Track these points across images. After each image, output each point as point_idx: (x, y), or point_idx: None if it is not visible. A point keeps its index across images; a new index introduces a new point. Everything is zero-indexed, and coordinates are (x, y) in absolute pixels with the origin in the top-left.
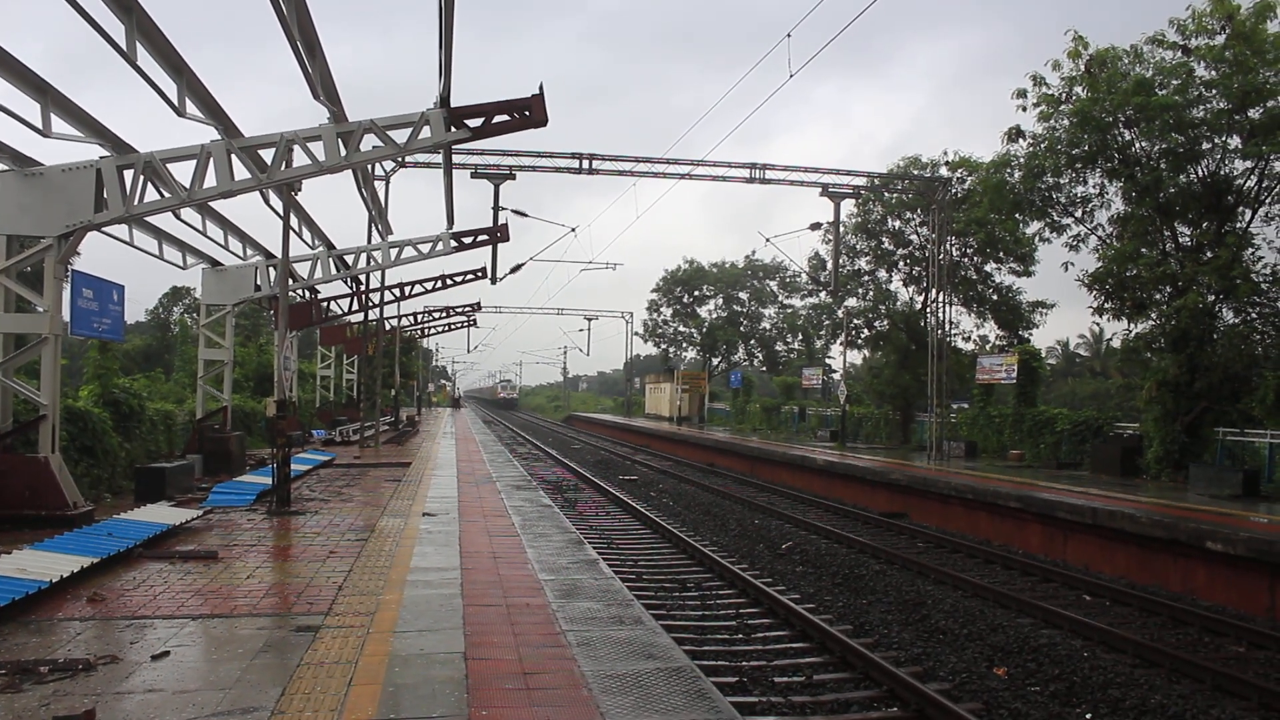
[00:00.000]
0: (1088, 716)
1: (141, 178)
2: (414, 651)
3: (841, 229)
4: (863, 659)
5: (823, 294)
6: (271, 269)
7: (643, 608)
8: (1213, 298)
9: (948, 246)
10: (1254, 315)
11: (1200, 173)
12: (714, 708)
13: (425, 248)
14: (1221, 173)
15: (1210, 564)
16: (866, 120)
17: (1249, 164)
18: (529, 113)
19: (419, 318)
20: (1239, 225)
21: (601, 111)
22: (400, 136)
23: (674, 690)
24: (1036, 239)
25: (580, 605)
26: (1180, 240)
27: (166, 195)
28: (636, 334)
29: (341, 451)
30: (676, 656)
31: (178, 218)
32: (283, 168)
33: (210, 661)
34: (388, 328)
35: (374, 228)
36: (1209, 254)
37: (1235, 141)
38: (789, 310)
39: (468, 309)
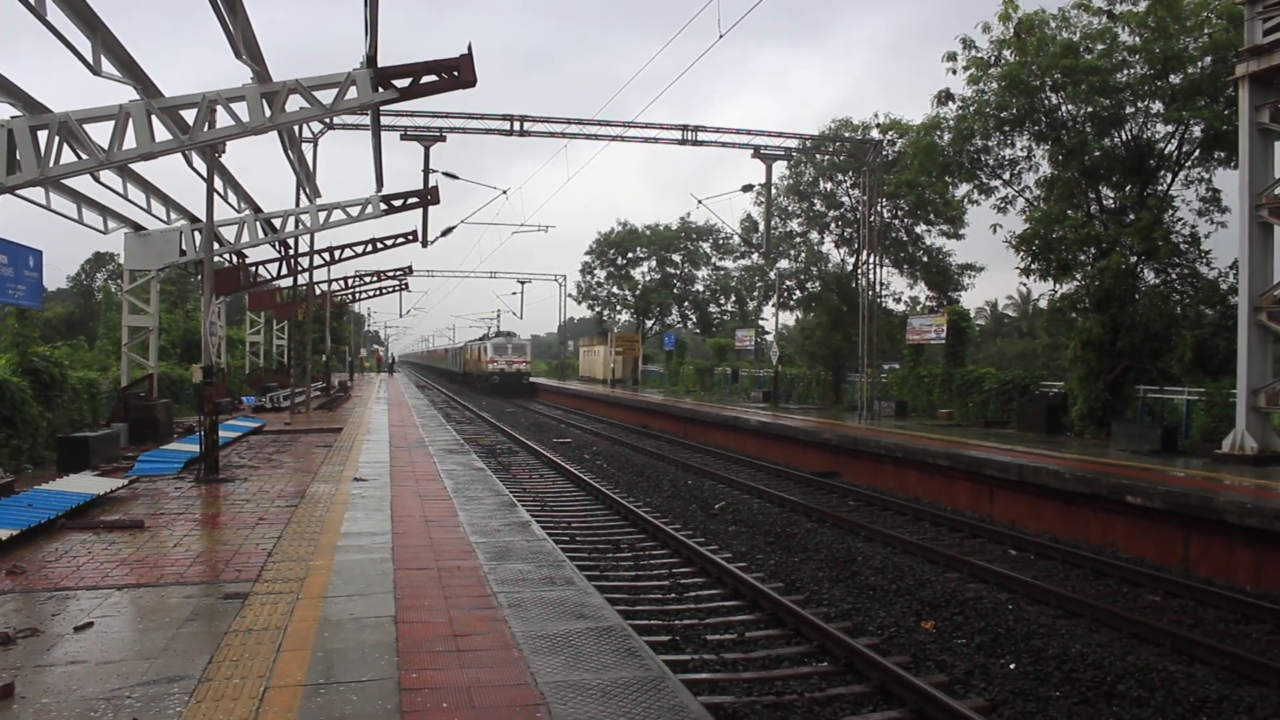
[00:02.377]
0: (1011, 666)
1: (57, 139)
2: (344, 616)
3: (774, 191)
4: (794, 615)
5: (755, 256)
6: (197, 233)
7: (575, 569)
8: (1135, 259)
9: (879, 208)
10: (1173, 276)
11: (1124, 137)
12: (644, 665)
13: (355, 211)
14: (1144, 137)
15: (1130, 518)
16: (806, 88)
17: (1170, 129)
18: (457, 73)
19: (350, 282)
20: (1160, 188)
21: (543, 80)
22: (326, 97)
23: (604, 649)
24: (966, 201)
25: (512, 567)
26: (1104, 203)
27: (84, 157)
28: (570, 296)
29: (272, 418)
30: (608, 616)
31: (97, 180)
32: (205, 129)
33: (136, 631)
34: (318, 292)
35: (302, 191)
36: (1132, 216)
37: (1157, 106)
38: (722, 272)
39: (399, 273)
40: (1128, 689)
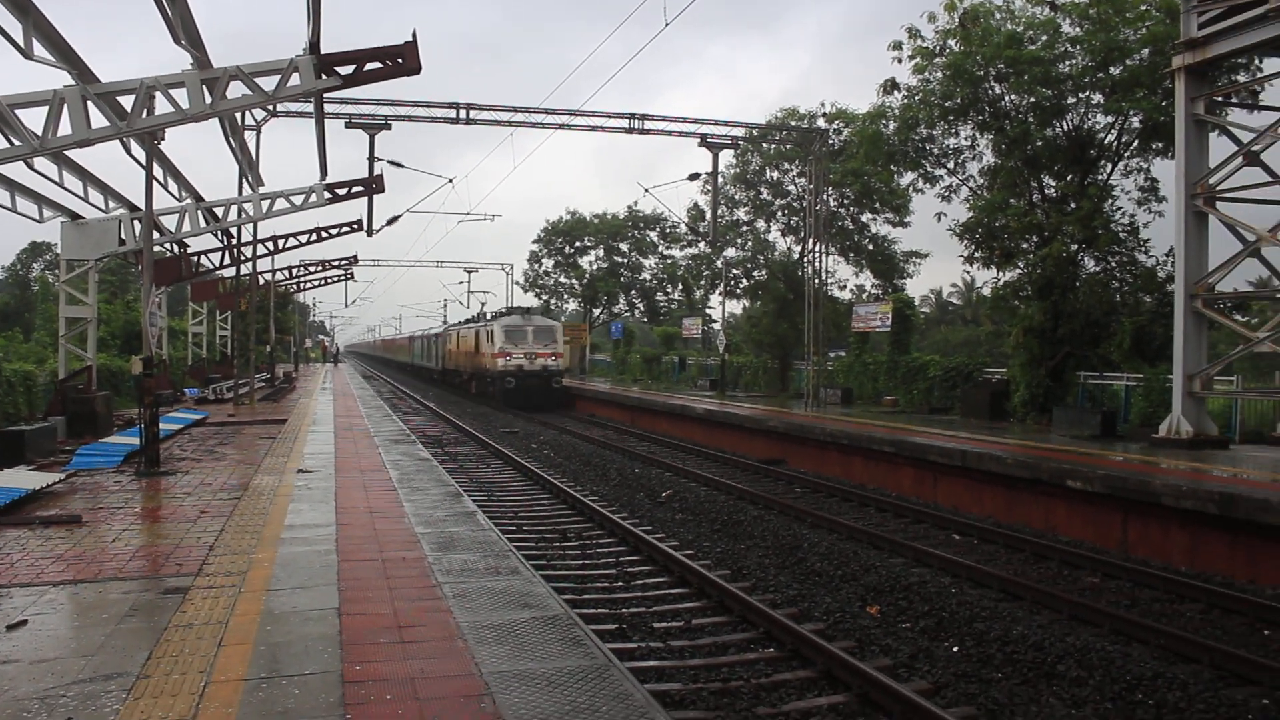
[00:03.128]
0: (955, 649)
1: None
2: (287, 609)
3: (721, 180)
4: (740, 602)
5: (702, 244)
6: (136, 222)
7: (520, 558)
8: (1076, 247)
9: (825, 197)
10: (1113, 264)
11: (1065, 127)
12: (588, 654)
13: (298, 199)
14: (1085, 127)
15: (1070, 501)
16: (756, 78)
17: (1110, 119)
18: (402, 60)
19: (294, 272)
20: (1100, 178)
21: (492, 69)
22: (269, 84)
23: (549, 638)
24: (911, 190)
25: (457, 557)
26: (1046, 192)
27: (17, 144)
28: (517, 285)
29: (215, 410)
30: (552, 605)
31: (31, 168)
32: (144, 115)
33: (73, 628)
34: (261, 282)
35: (245, 179)
36: (1073, 205)
37: (1098, 97)
38: (669, 261)
39: (344, 262)
40: (1067, 669)
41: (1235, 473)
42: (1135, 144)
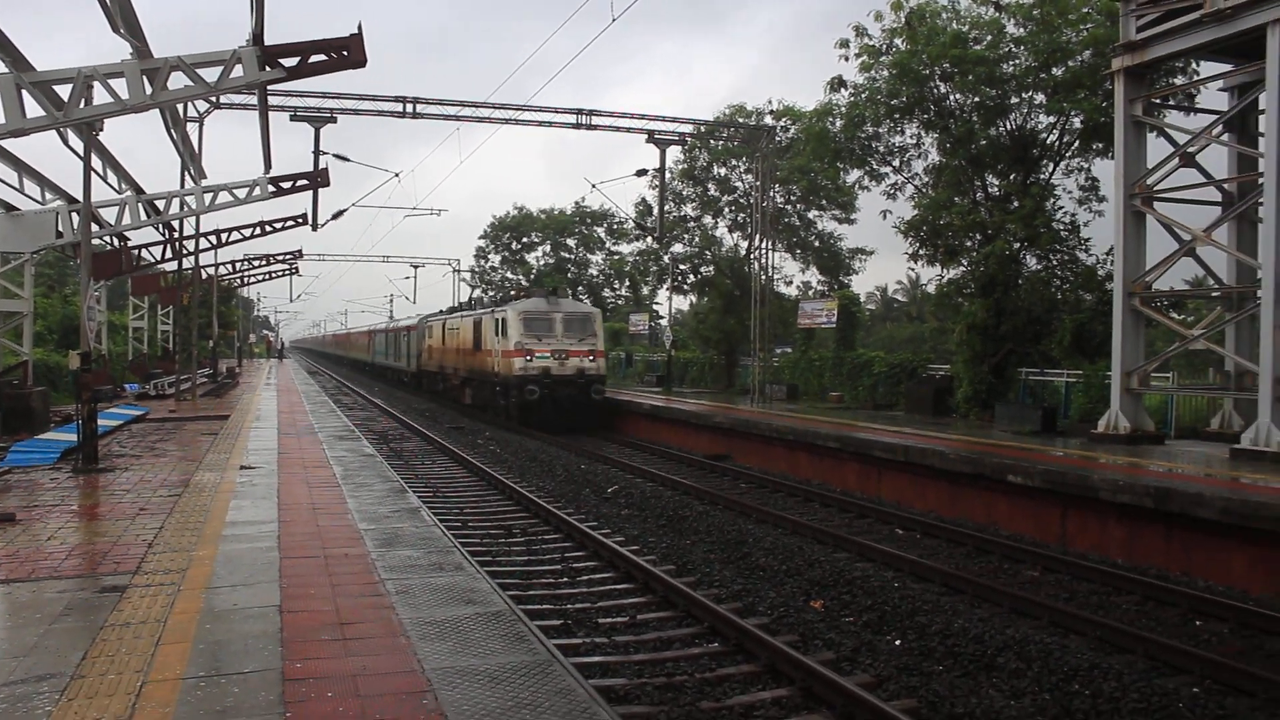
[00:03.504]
0: (897, 642)
1: None
2: (227, 607)
3: (668, 176)
4: (685, 597)
5: (649, 240)
6: (74, 214)
7: (464, 554)
8: (1018, 245)
9: (772, 193)
10: (1054, 262)
11: (1009, 126)
12: (531, 650)
13: (242, 193)
14: (1028, 127)
15: (1011, 496)
16: (706, 76)
17: (1052, 119)
18: (347, 52)
19: (238, 266)
20: (1042, 177)
21: (442, 65)
22: (211, 75)
23: (492, 634)
24: (857, 187)
25: (400, 553)
26: (990, 190)
27: None
28: (464, 281)
29: (156, 406)
30: (496, 601)
31: None
32: (81, 105)
33: (5, 629)
34: (204, 276)
35: (187, 172)
36: (1015, 204)
37: (1040, 98)
38: (616, 256)
39: (289, 256)
40: (1006, 661)
41: (1170, 467)
42: (1076, 144)
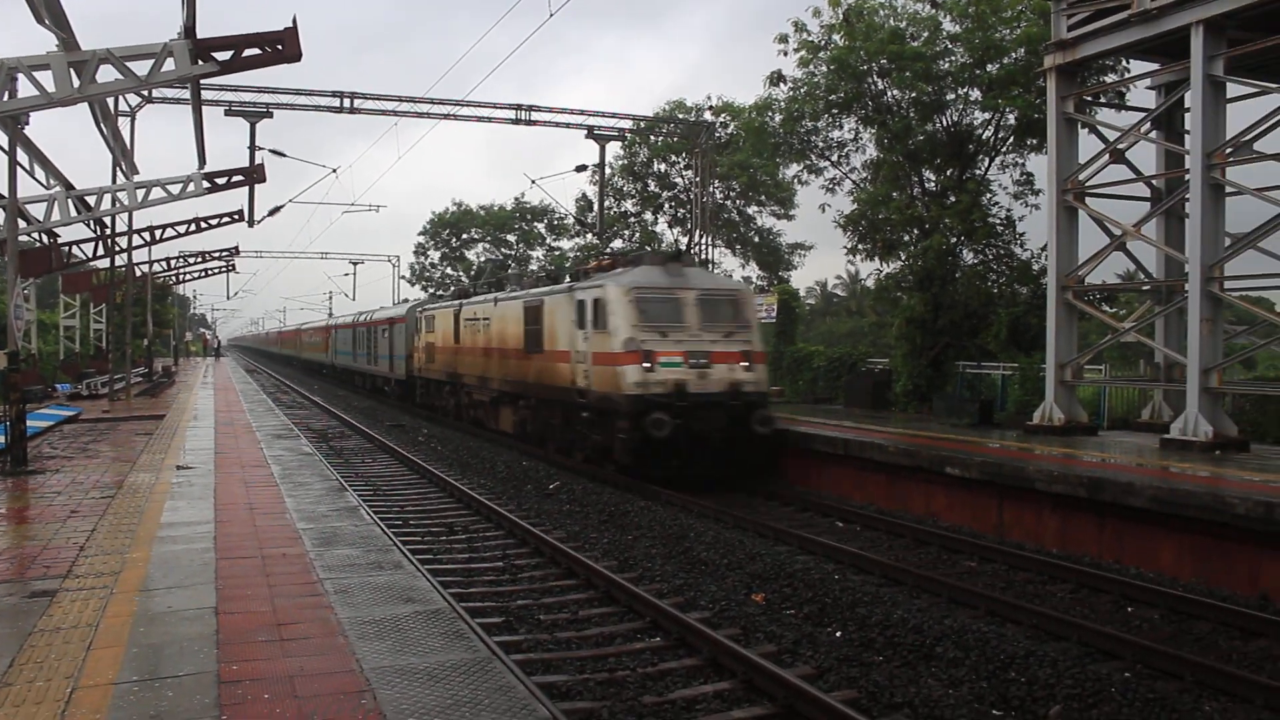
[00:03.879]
0: (838, 634)
1: None
2: (162, 610)
3: (608, 172)
4: (626, 592)
5: (589, 236)
6: (0, 210)
7: (404, 552)
8: (955, 240)
9: (711, 189)
10: (990, 257)
11: (945, 122)
12: (471, 647)
13: (176, 189)
14: (964, 123)
15: (949, 488)
16: (646, 72)
17: (987, 116)
18: (282, 46)
19: (173, 263)
20: (978, 172)
21: (383, 61)
22: (142, 69)
23: (432, 632)
24: (796, 182)
25: (339, 553)
26: (927, 185)
27: None
28: (404, 278)
29: (89, 406)
30: (435, 599)
31: None
32: (5, 98)
33: None
34: (138, 274)
35: (119, 167)
36: (952, 199)
37: (976, 94)
38: (557, 252)
39: (225, 253)
40: (945, 650)
41: (1103, 458)
42: (1011, 140)
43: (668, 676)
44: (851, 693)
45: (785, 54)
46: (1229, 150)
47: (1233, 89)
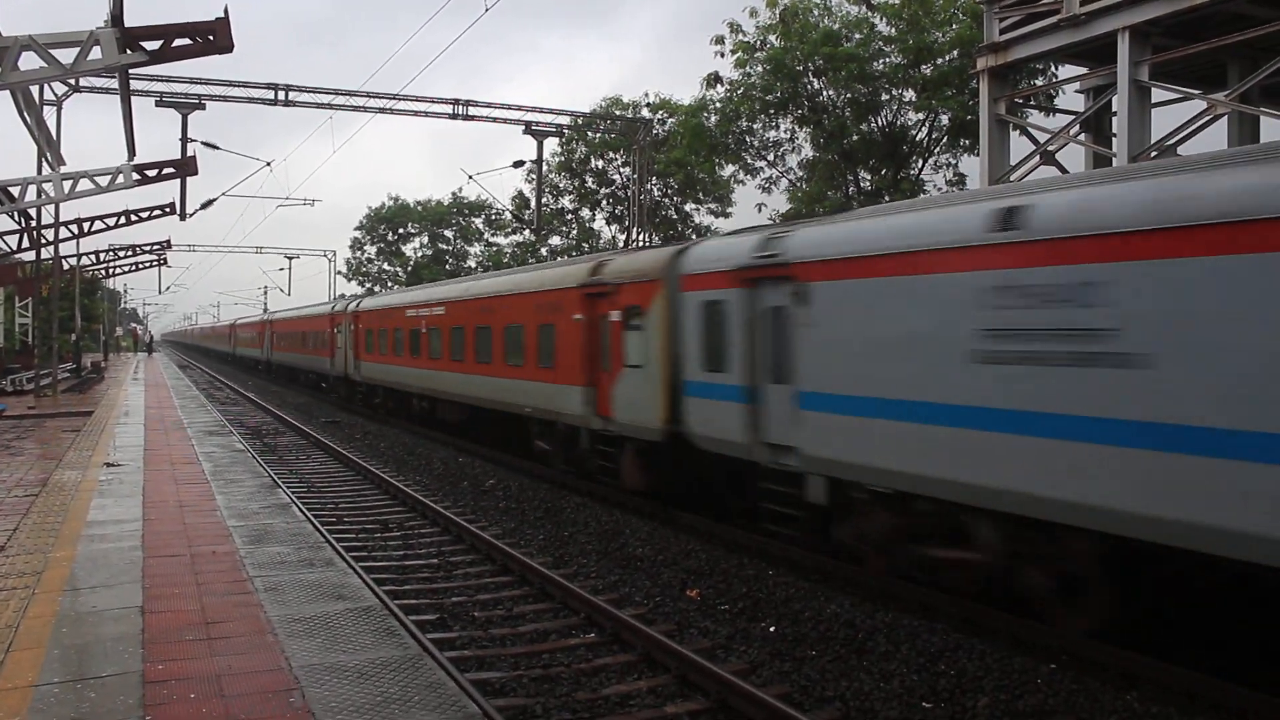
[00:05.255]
0: (771, 629)
1: None
2: (85, 610)
3: (546, 168)
4: (561, 589)
5: (527, 232)
6: None
7: (336, 549)
8: None
9: (649, 186)
10: None
11: (880, 122)
12: (402, 644)
13: (104, 180)
14: (898, 123)
15: None
16: (590, 71)
17: (921, 116)
18: (213, 37)
19: (102, 256)
20: (913, 172)
21: (324, 55)
22: (67, 57)
23: (363, 630)
24: (732, 181)
25: (270, 550)
26: (862, 185)
27: None
28: (340, 273)
29: (14, 402)
30: (367, 596)
31: None
32: None
33: None
34: (66, 267)
35: (44, 158)
36: (886, 198)
37: (910, 95)
38: (495, 248)
39: (157, 247)
40: (877, 644)
41: None
42: (945, 141)
43: (602, 672)
44: (784, 687)
45: (722, 55)
46: (1154, 154)
47: (1158, 94)
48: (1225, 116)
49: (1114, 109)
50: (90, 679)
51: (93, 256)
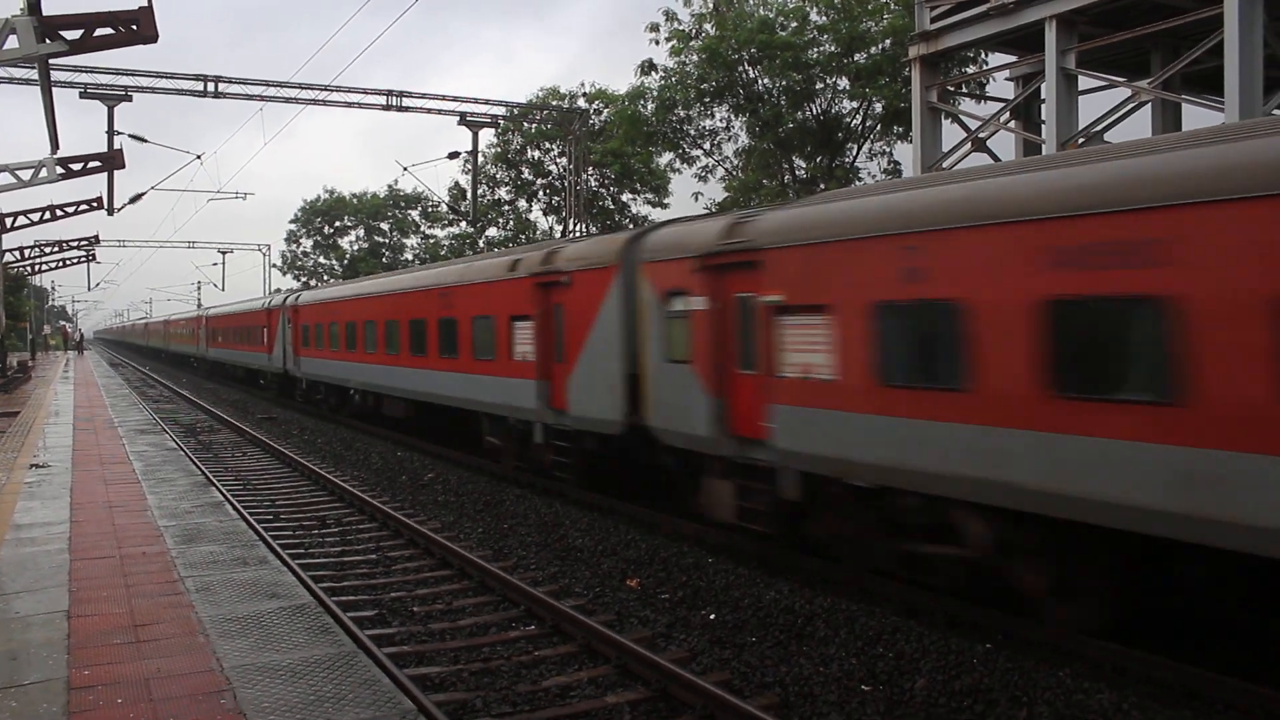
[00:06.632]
0: (711, 616)
1: None
2: (8, 616)
3: (482, 159)
4: (501, 581)
5: (463, 224)
6: None
7: (271, 547)
8: None
9: (585, 177)
10: None
11: (815, 110)
12: (336, 642)
13: (26, 174)
14: (833, 111)
15: None
16: (529, 63)
17: (855, 104)
18: (136, 26)
19: (27, 253)
20: (847, 160)
21: (261, 48)
22: None
23: (297, 628)
24: (669, 170)
25: (202, 550)
26: (798, 173)
27: None
28: (275, 266)
29: None
30: (301, 594)
31: None
32: None
33: None
34: None
35: None
36: (822, 186)
37: (844, 83)
38: (432, 240)
39: (84, 242)
40: (816, 629)
41: None
42: (879, 128)
43: (543, 664)
44: (724, 674)
45: (657, 43)
46: (1081, 140)
47: (1085, 82)
48: (1149, 104)
49: (1043, 96)
50: (10, 688)
51: (17, 253)
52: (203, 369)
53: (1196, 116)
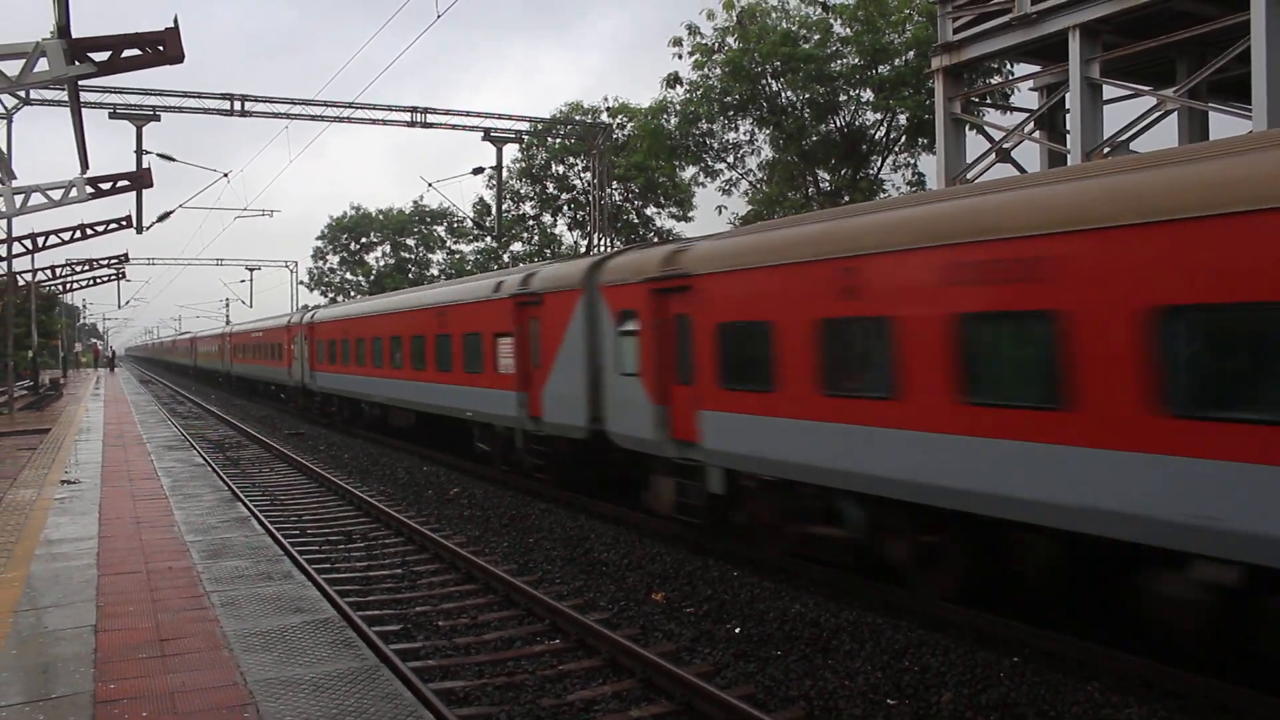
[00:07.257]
0: (736, 630)
1: None
2: (37, 630)
3: (506, 174)
4: (526, 595)
5: (488, 239)
6: None
7: (295, 561)
8: None
9: (609, 191)
10: None
11: (839, 123)
12: (359, 656)
13: (57, 194)
14: (857, 123)
15: None
16: (553, 79)
17: (879, 116)
18: (163, 47)
19: (58, 271)
20: (872, 172)
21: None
22: (13, 69)
23: (320, 642)
24: (693, 183)
25: (228, 564)
26: (822, 186)
27: None
28: (303, 283)
29: None
30: (325, 609)
31: None
32: None
33: None
34: (21, 283)
35: None
36: (846, 198)
37: (868, 95)
38: (457, 256)
39: (114, 261)
40: (841, 643)
41: None
42: (903, 140)
43: (567, 678)
44: (749, 688)
45: (680, 57)
46: (1107, 150)
47: (1110, 91)
48: (1175, 112)
49: (1067, 106)
50: (39, 701)
51: (49, 272)
52: (229, 385)
53: (1224, 124)
